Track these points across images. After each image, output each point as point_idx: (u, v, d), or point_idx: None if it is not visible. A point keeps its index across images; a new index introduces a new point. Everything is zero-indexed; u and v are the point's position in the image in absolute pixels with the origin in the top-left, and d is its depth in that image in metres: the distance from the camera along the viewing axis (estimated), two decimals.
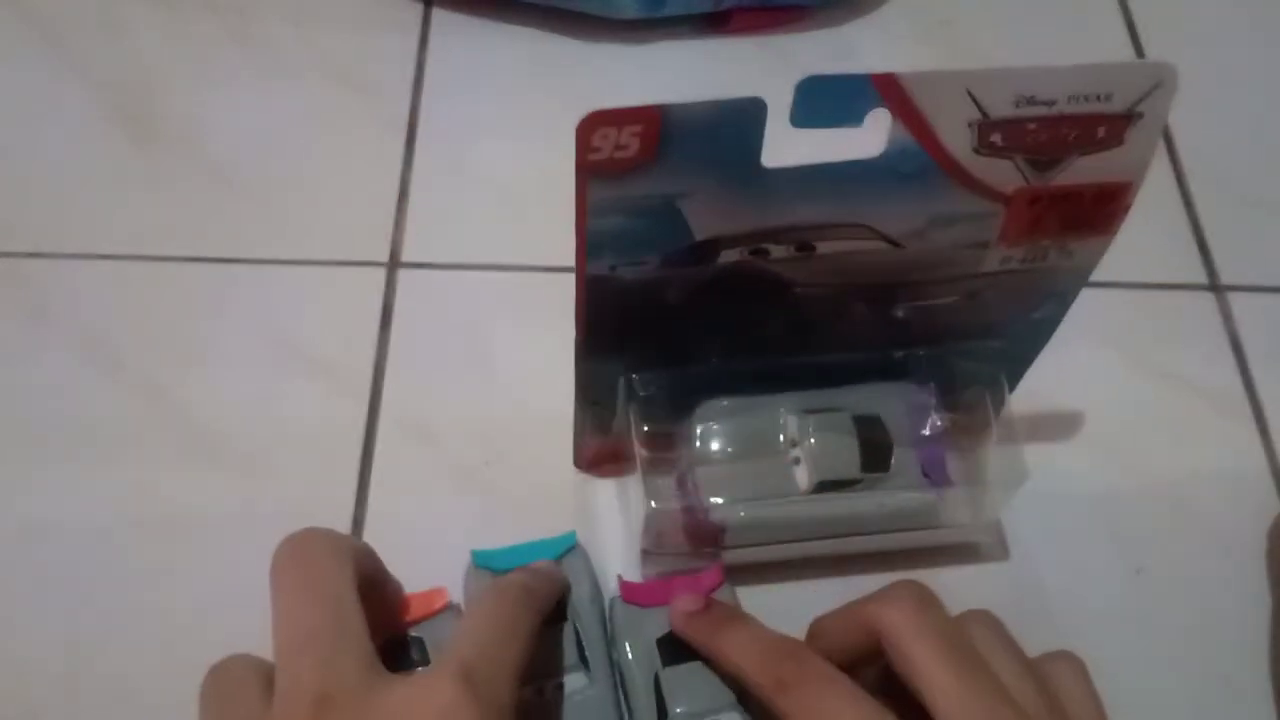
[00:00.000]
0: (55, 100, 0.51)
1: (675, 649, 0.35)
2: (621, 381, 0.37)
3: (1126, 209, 0.33)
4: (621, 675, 0.36)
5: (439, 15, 0.55)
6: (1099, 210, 0.33)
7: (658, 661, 0.35)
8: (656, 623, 0.36)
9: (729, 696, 0.34)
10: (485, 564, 0.36)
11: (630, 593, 0.37)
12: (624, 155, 0.29)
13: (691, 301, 0.34)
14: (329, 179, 0.49)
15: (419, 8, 0.55)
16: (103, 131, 0.50)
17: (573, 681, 0.34)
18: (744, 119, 0.29)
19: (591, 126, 0.28)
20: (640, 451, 0.37)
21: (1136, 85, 0.30)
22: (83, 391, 0.43)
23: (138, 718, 0.37)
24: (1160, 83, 0.30)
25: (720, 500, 0.37)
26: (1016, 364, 0.39)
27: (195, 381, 0.43)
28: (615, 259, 0.32)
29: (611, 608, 0.37)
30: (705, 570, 0.37)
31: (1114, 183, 0.32)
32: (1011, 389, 0.40)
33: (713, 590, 0.37)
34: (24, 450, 0.42)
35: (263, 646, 0.38)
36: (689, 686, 0.34)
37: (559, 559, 0.37)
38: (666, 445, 0.38)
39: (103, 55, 0.53)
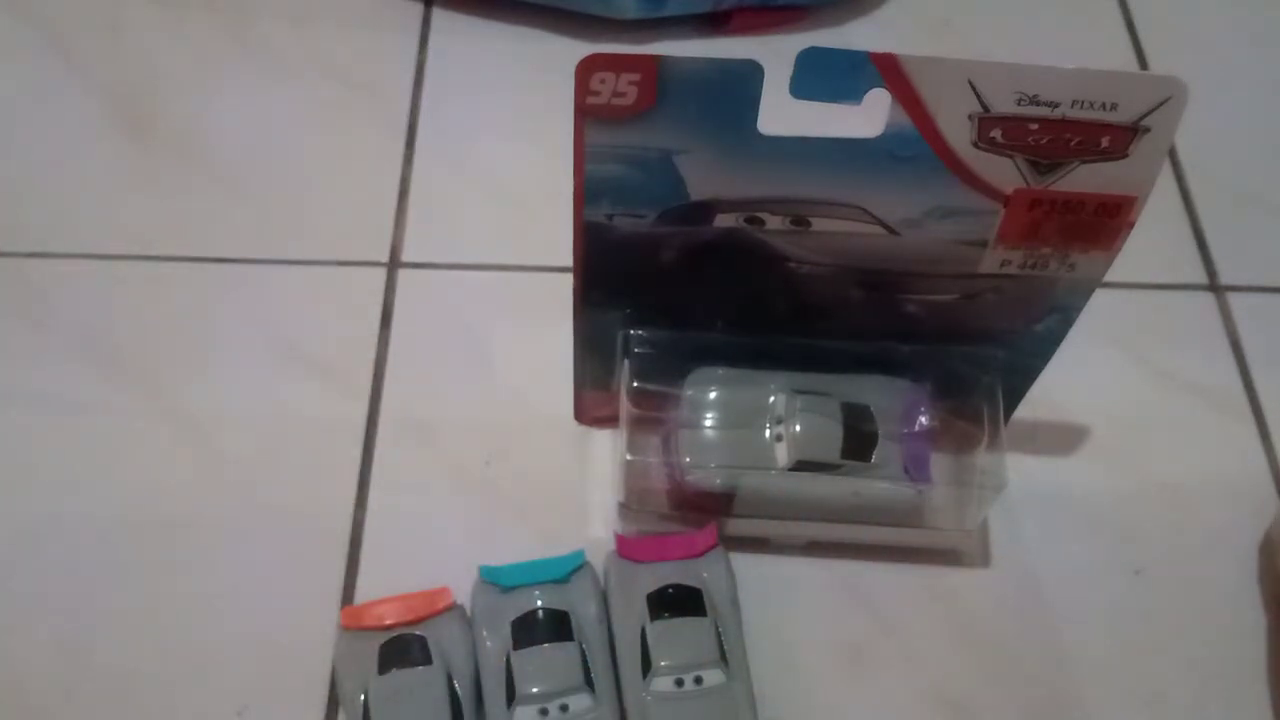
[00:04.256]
0: (55, 100, 0.51)
1: (663, 604, 0.35)
2: (620, 336, 0.38)
3: (1130, 225, 0.33)
4: (610, 627, 0.36)
5: (439, 15, 0.55)
6: (1101, 223, 0.33)
7: (646, 616, 0.35)
8: (648, 578, 0.36)
9: (713, 653, 0.35)
10: (492, 579, 0.37)
11: (625, 548, 0.37)
12: (622, 103, 0.29)
13: (688, 263, 0.35)
14: (329, 179, 0.49)
15: (419, 8, 0.55)
16: (103, 131, 0.50)
17: (577, 702, 0.34)
18: (741, 80, 0.29)
19: (590, 69, 0.28)
20: (628, 407, 0.38)
21: (1144, 98, 0.29)
22: (83, 391, 0.43)
23: (137, 717, 0.37)
24: (1170, 98, 0.29)
25: (698, 463, 0.38)
26: (1020, 377, 0.39)
27: (195, 381, 0.43)
28: (612, 207, 0.33)
29: (606, 562, 0.38)
30: (700, 531, 0.38)
31: (1117, 196, 0.32)
32: (1015, 403, 0.40)
33: (706, 551, 0.37)
34: (24, 450, 0.42)
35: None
36: (674, 641, 0.35)
37: (567, 578, 0.37)
38: (656, 404, 0.39)
39: (103, 56, 0.53)
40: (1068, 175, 0.31)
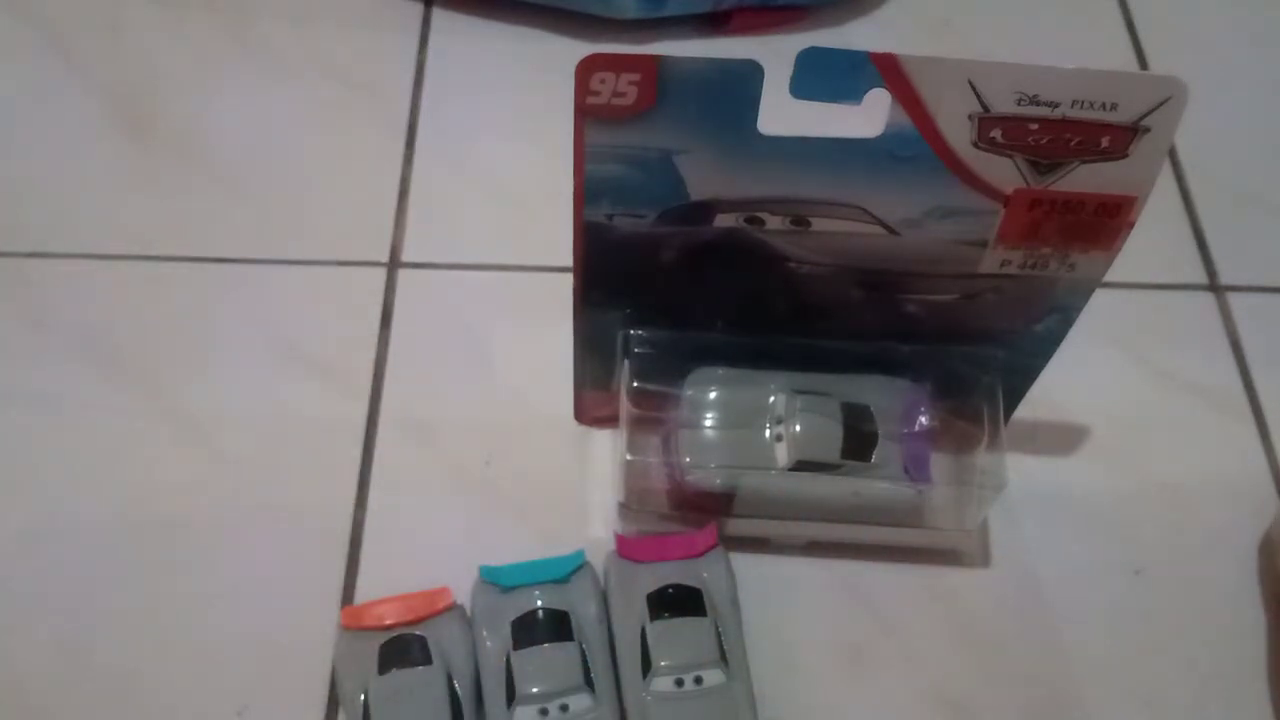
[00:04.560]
0: (55, 100, 0.51)
1: (663, 604, 0.36)
2: (620, 336, 0.38)
3: (1130, 225, 0.33)
4: (610, 627, 0.36)
5: (439, 15, 0.55)
6: (1101, 223, 0.33)
7: (646, 616, 0.35)
8: (648, 578, 0.36)
9: (713, 653, 0.35)
10: (493, 579, 0.37)
11: (625, 548, 0.37)
12: (622, 103, 0.29)
13: (688, 263, 0.35)
14: (329, 179, 0.49)
15: (419, 8, 0.55)
16: (103, 131, 0.50)
17: (577, 702, 0.34)
18: (741, 80, 0.29)
19: (590, 69, 0.29)
20: (628, 407, 0.38)
21: (1144, 98, 0.29)
22: (83, 391, 0.43)
23: (137, 717, 0.37)
24: (1170, 98, 0.29)
25: (698, 463, 0.38)
26: (1020, 377, 0.39)
27: (195, 381, 0.43)
28: (612, 208, 0.33)
29: (606, 562, 0.38)
30: (700, 531, 0.38)
31: (1117, 196, 0.32)
32: (1015, 403, 0.40)
33: (706, 551, 0.37)
34: (24, 450, 0.42)
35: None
36: (674, 641, 0.35)
37: (567, 578, 0.37)
38: (656, 404, 0.39)
39: (103, 56, 0.53)
40: (1068, 175, 0.31)
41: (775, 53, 0.29)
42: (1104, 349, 0.46)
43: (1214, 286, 0.48)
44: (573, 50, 0.54)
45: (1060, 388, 0.42)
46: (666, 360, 0.38)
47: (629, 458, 0.38)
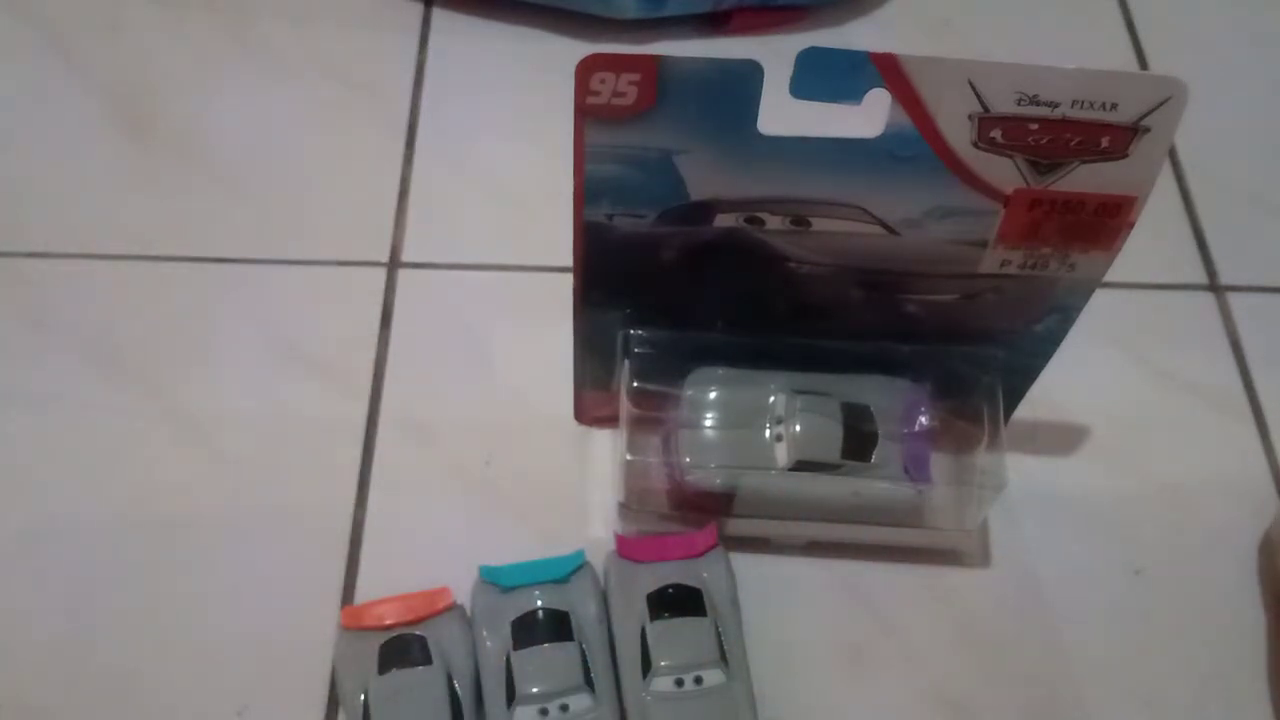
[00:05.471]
0: (55, 100, 0.51)
1: (663, 604, 0.36)
2: (620, 336, 0.38)
3: (1130, 225, 0.33)
4: (610, 627, 0.36)
5: (439, 15, 0.55)
6: (1101, 223, 0.33)
7: (646, 616, 0.35)
8: (648, 578, 0.36)
9: (713, 653, 0.35)
10: (492, 579, 0.37)
11: (625, 548, 0.37)
12: (622, 103, 0.29)
13: (688, 263, 0.35)
14: (329, 179, 0.49)
15: (419, 8, 0.55)
16: (103, 131, 0.50)
17: (577, 702, 0.34)
18: (741, 80, 0.29)
19: (590, 69, 0.29)
20: (628, 407, 0.38)
21: (1144, 98, 0.29)
22: (83, 391, 0.43)
23: (137, 717, 0.37)
24: (1170, 97, 0.29)
25: (698, 463, 0.38)
26: (1020, 377, 0.39)
27: (195, 381, 0.43)
28: (612, 207, 0.33)
29: (606, 562, 0.38)
30: (700, 531, 0.38)
31: (1117, 196, 0.32)
32: (1015, 403, 0.40)
33: (706, 551, 0.37)
34: (24, 450, 0.42)
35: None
36: (674, 641, 0.35)
37: (567, 578, 0.37)
38: (656, 404, 0.39)
39: (103, 56, 0.53)
40: (1068, 175, 0.31)
41: (775, 53, 0.29)
42: (1104, 349, 0.46)
43: (1214, 286, 0.48)
44: (573, 50, 0.54)
45: (1060, 388, 0.42)
46: (666, 360, 0.38)
47: (629, 458, 0.38)
